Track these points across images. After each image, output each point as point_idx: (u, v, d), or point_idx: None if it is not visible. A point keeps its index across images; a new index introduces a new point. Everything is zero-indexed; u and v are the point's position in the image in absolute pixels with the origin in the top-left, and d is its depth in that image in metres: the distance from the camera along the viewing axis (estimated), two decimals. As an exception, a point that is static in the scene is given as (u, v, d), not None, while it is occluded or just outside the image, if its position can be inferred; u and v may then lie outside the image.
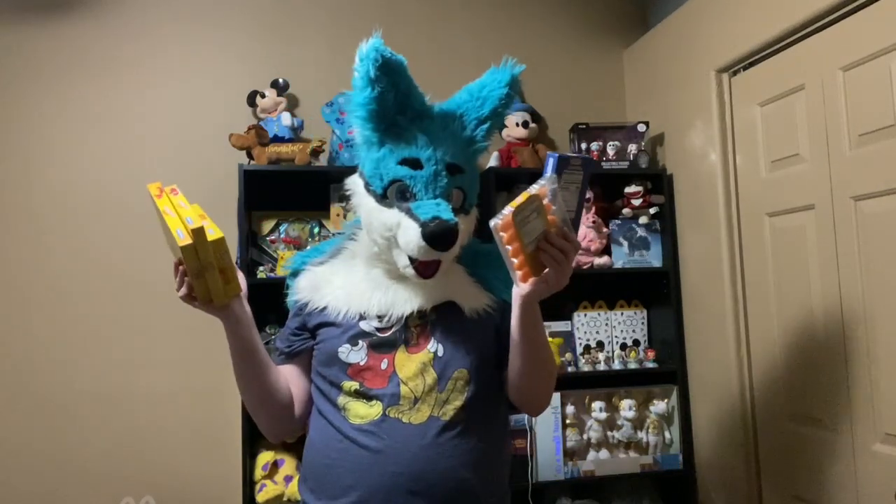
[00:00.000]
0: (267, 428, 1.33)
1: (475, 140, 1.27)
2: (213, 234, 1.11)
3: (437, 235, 1.13)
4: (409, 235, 1.16)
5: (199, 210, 1.16)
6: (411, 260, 1.19)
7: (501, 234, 1.07)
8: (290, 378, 1.34)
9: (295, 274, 1.38)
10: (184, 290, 1.14)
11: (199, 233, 1.08)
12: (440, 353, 1.23)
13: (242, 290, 1.22)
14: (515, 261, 1.09)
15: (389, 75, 1.18)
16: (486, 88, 1.27)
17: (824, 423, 1.88)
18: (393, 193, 1.22)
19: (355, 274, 1.30)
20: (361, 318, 1.26)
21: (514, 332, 1.19)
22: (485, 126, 1.26)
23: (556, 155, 1.16)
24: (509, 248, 1.08)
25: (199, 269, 1.11)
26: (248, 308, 1.24)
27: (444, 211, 1.16)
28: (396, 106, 1.22)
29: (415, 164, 1.21)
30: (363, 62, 1.18)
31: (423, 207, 1.17)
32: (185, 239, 1.08)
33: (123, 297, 2.41)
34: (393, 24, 2.66)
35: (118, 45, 2.49)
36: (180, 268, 1.14)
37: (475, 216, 1.32)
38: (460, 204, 1.24)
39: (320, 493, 1.23)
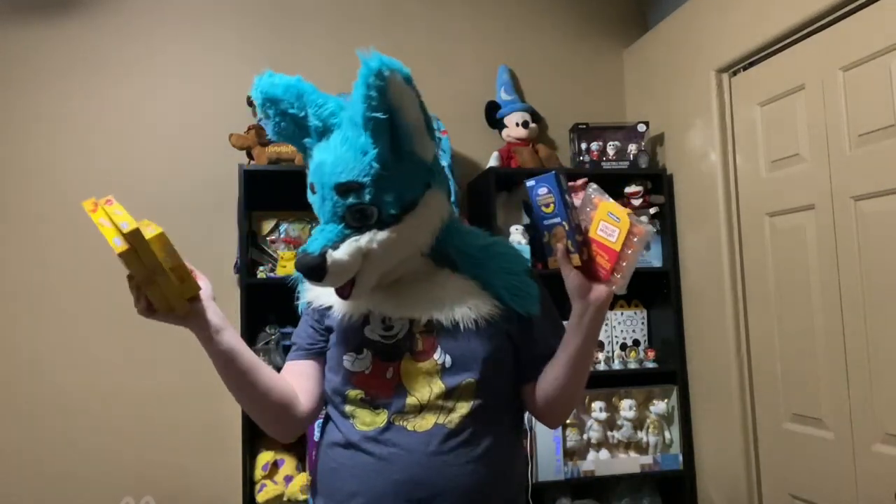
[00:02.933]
0: (271, 430, 1.26)
1: (367, 149, 1.11)
2: (151, 231, 1.03)
3: (301, 269, 1.11)
4: None
5: (132, 220, 1.04)
6: None
7: (636, 238, 1.09)
8: (302, 373, 1.28)
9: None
10: (142, 303, 1.06)
11: (135, 235, 1.00)
12: (448, 364, 1.19)
13: (203, 290, 1.11)
14: (626, 264, 1.10)
15: (273, 108, 1.18)
16: (354, 93, 1.10)
17: (824, 423, 1.88)
18: None
19: None
20: (365, 323, 1.23)
21: (577, 338, 1.15)
22: (367, 134, 1.11)
23: (554, 174, 1.15)
24: (630, 252, 1.09)
25: (147, 275, 1.03)
26: (215, 308, 1.14)
27: (313, 243, 1.11)
28: (299, 130, 1.20)
29: (312, 188, 1.18)
30: (255, 101, 1.20)
31: (308, 240, 1.13)
32: (121, 246, 1.01)
33: (123, 296, 2.39)
34: (393, 24, 2.66)
35: (118, 45, 2.49)
36: (133, 281, 1.05)
37: (421, 217, 1.19)
38: (376, 218, 1.14)
39: (326, 498, 1.22)
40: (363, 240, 1.13)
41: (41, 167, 2.41)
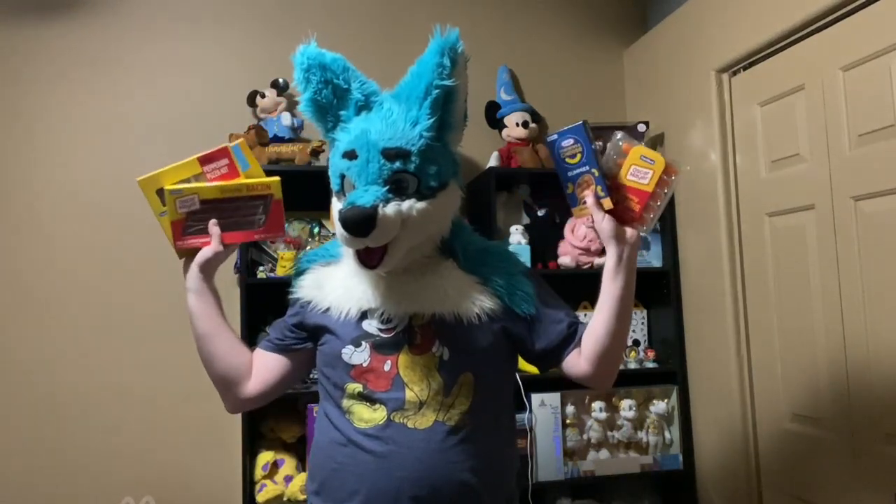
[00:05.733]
0: (220, 394, 1.33)
1: (419, 120, 1.19)
2: (173, 186, 1.25)
3: (347, 221, 1.12)
4: (336, 226, 1.18)
5: (167, 170, 1.28)
6: (356, 251, 1.19)
7: (672, 177, 1.17)
8: (264, 361, 1.33)
9: (300, 273, 1.37)
10: None
11: (141, 182, 1.27)
12: (445, 357, 1.21)
13: (200, 254, 1.25)
14: (659, 203, 1.18)
15: (319, 74, 1.23)
16: (422, 63, 1.20)
17: (824, 423, 1.88)
18: (345, 188, 1.23)
19: (356, 273, 1.27)
20: (364, 317, 1.24)
21: (619, 281, 1.20)
22: (427, 102, 1.18)
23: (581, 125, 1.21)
24: (665, 191, 1.17)
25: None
26: (195, 272, 1.25)
27: (363, 196, 1.13)
28: (337, 101, 1.25)
29: (351, 154, 1.20)
30: (295, 67, 1.24)
31: (351, 196, 1.16)
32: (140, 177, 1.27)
33: (124, 297, 2.41)
34: (393, 24, 2.66)
35: (118, 45, 2.49)
36: None
37: (449, 199, 1.25)
38: (414, 188, 1.19)
39: (325, 497, 1.23)
40: (404, 205, 1.17)
41: (42, 167, 2.41)
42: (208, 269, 1.26)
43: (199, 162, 1.27)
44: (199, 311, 1.26)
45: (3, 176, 2.39)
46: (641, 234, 1.21)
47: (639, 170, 1.17)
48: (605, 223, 1.19)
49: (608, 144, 1.23)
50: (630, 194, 1.19)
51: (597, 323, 1.24)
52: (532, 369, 2.26)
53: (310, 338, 1.32)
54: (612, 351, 1.24)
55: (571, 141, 1.20)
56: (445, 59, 1.16)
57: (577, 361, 1.27)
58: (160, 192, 1.25)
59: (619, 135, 1.22)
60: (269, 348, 1.35)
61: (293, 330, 1.34)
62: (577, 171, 1.21)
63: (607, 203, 1.18)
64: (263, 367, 1.33)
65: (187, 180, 1.26)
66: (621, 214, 1.20)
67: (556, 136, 1.22)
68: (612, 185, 1.20)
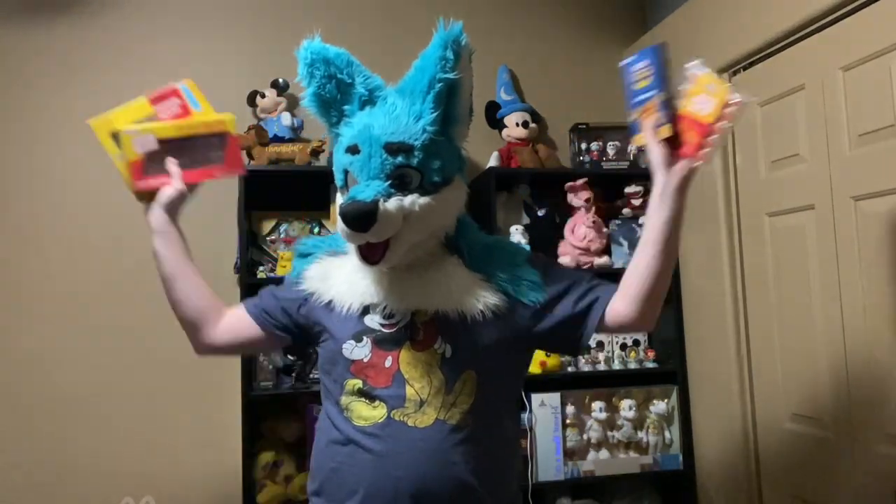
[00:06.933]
0: (185, 331, 1.34)
1: (422, 114, 1.18)
2: (127, 128, 1.21)
3: (348, 216, 1.11)
4: (337, 221, 1.17)
5: (119, 113, 1.24)
6: (358, 247, 1.18)
7: (730, 109, 1.10)
8: (242, 318, 1.33)
9: (303, 256, 1.36)
10: None
11: (92, 124, 1.22)
12: (448, 354, 1.20)
13: (162, 195, 1.24)
14: (716, 136, 1.11)
15: (322, 69, 1.22)
16: (425, 57, 1.19)
17: (824, 423, 1.88)
18: (349, 183, 1.22)
19: (360, 269, 1.26)
20: (366, 312, 1.23)
21: (662, 212, 1.16)
22: (430, 96, 1.17)
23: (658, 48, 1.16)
24: (723, 123, 1.10)
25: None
26: (159, 213, 1.25)
27: (364, 191, 1.13)
28: (341, 96, 1.24)
29: (354, 149, 1.19)
30: (299, 62, 1.24)
31: (352, 191, 1.15)
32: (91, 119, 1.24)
33: (123, 296, 2.41)
34: (393, 24, 2.66)
35: (118, 45, 2.49)
36: None
37: (453, 195, 1.25)
38: (417, 183, 1.18)
39: (325, 497, 1.22)
40: (407, 200, 1.16)
41: (41, 166, 2.41)
42: (172, 210, 1.26)
43: (149, 102, 1.25)
44: (164, 253, 1.27)
45: (2, 176, 2.39)
46: (702, 161, 1.14)
47: (702, 98, 1.11)
48: (655, 151, 1.16)
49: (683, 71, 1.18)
50: (691, 126, 1.13)
51: (638, 260, 1.20)
52: (532, 369, 2.25)
53: (301, 333, 1.31)
54: (653, 290, 1.19)
55: (645, 63, 1.15)
56: (448, 51, 1.16)
57: (616, 308, 1.23)
58: (115, 135, 1.22)
59: (694, 63, 1.15)
60: (252, 314, 1.33)
61: (285, 314, 1.32)
62: (643, 96, 1.16)
63: (664, 131, 1.13)
64: (238, 323, 1.32)
65: (140, 121, 1.23)
66: (678, 144, 1.14)
67: (629, 59, 1.18)
68: (675, 116, 1.14)
